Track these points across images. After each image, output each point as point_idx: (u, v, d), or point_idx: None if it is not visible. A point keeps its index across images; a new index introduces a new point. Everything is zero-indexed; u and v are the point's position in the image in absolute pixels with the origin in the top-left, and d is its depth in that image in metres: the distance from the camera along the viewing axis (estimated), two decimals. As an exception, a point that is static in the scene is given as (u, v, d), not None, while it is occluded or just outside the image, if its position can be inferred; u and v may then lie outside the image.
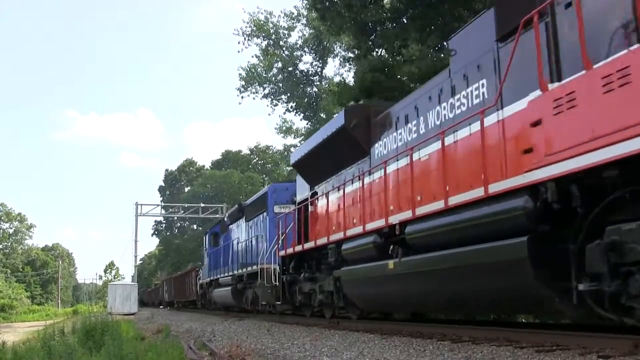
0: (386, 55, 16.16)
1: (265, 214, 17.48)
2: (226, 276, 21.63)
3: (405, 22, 15.81)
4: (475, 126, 7.08)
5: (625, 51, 4.92)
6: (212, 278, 25.00)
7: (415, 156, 8.52)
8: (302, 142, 39.93)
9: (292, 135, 42.30)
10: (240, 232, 21.32)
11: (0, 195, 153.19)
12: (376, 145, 10.38)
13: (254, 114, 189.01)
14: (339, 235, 10.76)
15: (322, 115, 33.75)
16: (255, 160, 67.24)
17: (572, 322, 7.99)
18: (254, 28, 36.89)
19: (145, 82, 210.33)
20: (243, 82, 37.80)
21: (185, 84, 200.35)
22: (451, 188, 7.33)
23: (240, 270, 19.17)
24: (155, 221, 71.24)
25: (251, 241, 18.71)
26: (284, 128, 41.69)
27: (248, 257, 18.65)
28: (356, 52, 17.58)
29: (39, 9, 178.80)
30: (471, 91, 7.60)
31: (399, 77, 15.19)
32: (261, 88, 37.93)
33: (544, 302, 6.12)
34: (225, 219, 24.58)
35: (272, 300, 15.13)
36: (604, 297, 5.19)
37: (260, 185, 62.60)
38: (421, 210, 7.88)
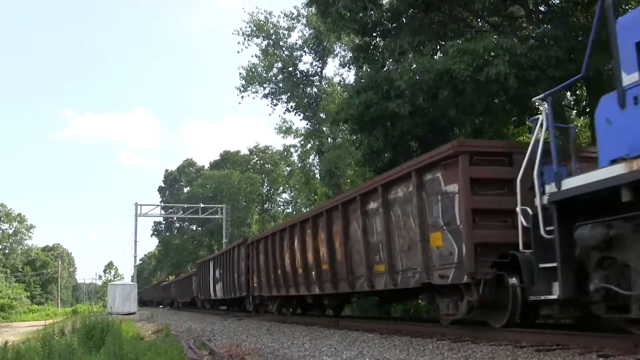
0: (388, 62, 15.87)
1: None
2: None
3: (404, 22, 15.75)
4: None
5: None
6: None
7: None
8: (302, 142, 39.84)
9: (292, 136, 42.24)
10: None
11: (0, 195, 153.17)
12: None
13: (252, 113, 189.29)
14: None
15: (322, 115, 33.66)
16: (254, 161, 67.13)
17: (572, 322, 7.99)
18: (254, 28, 36.83)
19: (142, 81, 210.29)
20: (243, 82, 37.73)
21: (182, 83, 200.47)
22: None
23: None
24: (154, 221, 71.31)
25: None
26: (284, 128, 41.63)
27: None
28: (359, 55, 17.31)
29: (35, 9, 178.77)
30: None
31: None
32: (261, 88, 37.86)
33: None
34: None
35: None
36: None
37: (259, 185, 62.40)
38: None
